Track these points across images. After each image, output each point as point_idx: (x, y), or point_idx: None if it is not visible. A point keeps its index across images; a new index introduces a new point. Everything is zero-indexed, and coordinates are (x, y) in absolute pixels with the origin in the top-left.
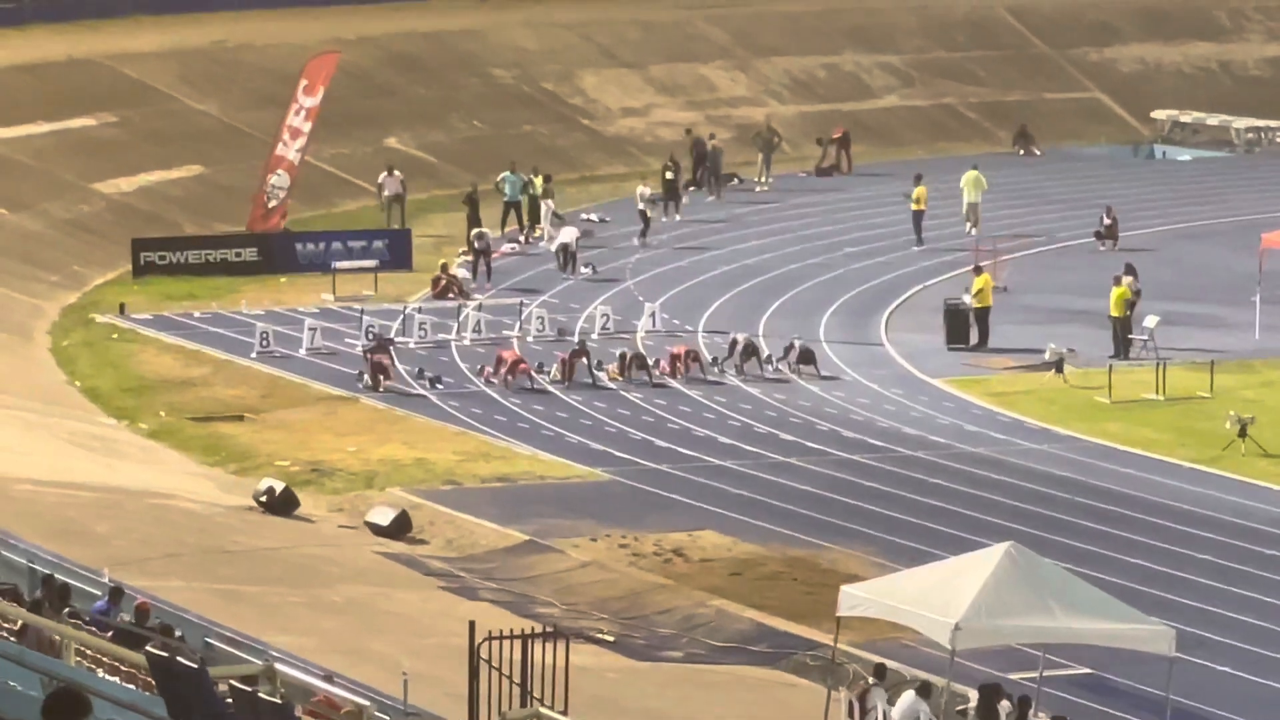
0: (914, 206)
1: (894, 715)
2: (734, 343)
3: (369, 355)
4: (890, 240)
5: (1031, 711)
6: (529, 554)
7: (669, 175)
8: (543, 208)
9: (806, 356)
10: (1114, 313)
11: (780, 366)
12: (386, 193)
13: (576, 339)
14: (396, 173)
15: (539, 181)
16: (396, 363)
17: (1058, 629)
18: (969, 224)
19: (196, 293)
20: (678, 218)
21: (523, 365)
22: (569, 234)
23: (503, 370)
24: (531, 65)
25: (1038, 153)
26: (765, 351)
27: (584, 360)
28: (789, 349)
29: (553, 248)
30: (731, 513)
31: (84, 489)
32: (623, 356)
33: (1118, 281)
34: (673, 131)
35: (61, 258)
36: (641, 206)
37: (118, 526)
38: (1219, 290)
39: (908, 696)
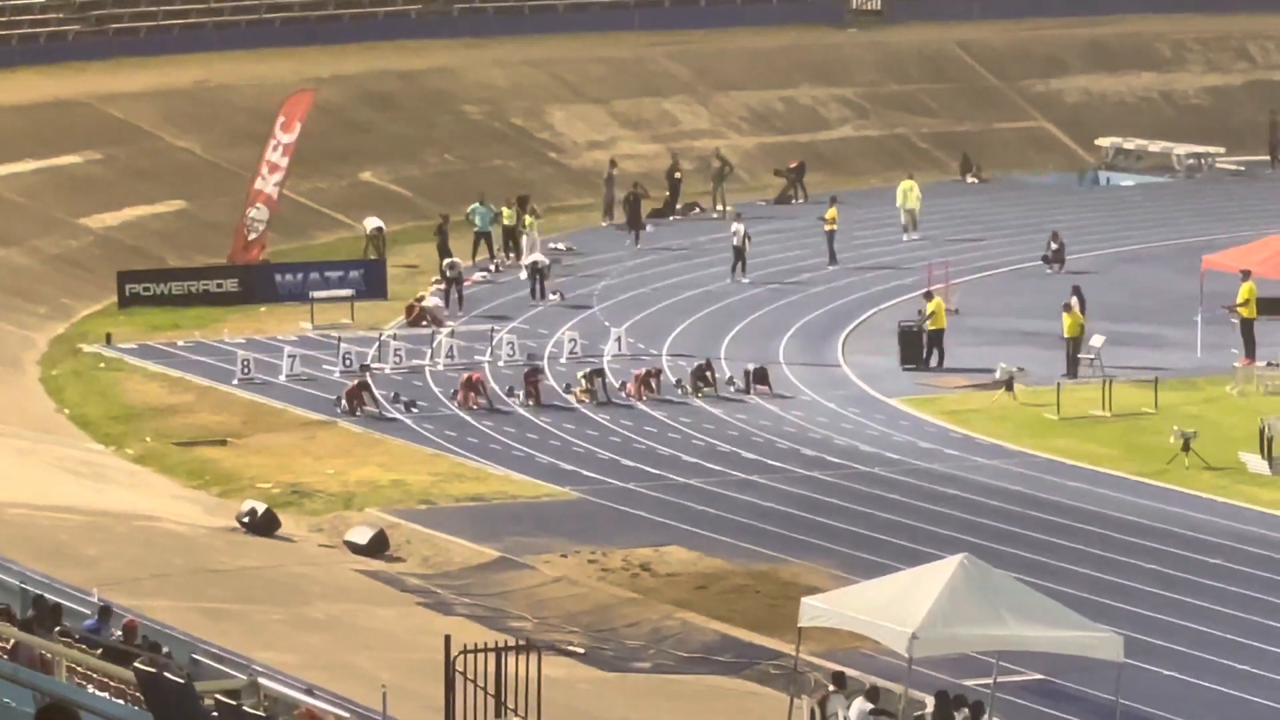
0: (826, 228)
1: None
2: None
3: (354, 384)
4: (843, 265)
5: (985, 717)
6: (502, 570)
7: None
8: (524, 238)
9: (760, 377)
10: (1068, 334)
11: (740, 385)
12: (368, 230)
13: (533, 361)
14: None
15: (508, 212)
16: (374, 389)
17: (1010, 637)
18: (906, 233)
19: (180, 323)
20: (638, 246)
21: (476, 376)
22: (536, 255)
23: (466, 392)
24: (501, 102)
25: (985, 178)
26: (727, 374)
27: (542, 380)
28: (747, 376)
29: (523, 264)
30: (696, 529)
31: (74, 512)
32: (588, 375)
33: (1068, 309)
34: (637, 164)
35: (50, 291)
36: (737, 244)
37: (106, 548)
38: (1162, 311)
39: (859, 703)
